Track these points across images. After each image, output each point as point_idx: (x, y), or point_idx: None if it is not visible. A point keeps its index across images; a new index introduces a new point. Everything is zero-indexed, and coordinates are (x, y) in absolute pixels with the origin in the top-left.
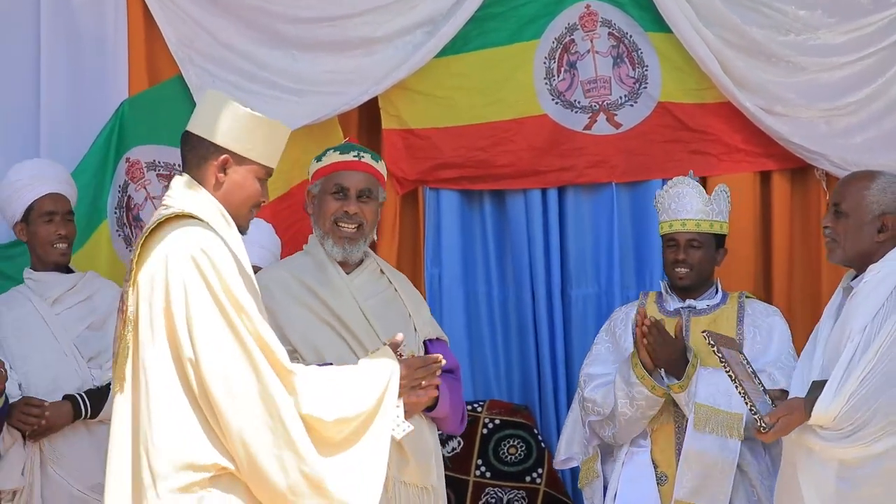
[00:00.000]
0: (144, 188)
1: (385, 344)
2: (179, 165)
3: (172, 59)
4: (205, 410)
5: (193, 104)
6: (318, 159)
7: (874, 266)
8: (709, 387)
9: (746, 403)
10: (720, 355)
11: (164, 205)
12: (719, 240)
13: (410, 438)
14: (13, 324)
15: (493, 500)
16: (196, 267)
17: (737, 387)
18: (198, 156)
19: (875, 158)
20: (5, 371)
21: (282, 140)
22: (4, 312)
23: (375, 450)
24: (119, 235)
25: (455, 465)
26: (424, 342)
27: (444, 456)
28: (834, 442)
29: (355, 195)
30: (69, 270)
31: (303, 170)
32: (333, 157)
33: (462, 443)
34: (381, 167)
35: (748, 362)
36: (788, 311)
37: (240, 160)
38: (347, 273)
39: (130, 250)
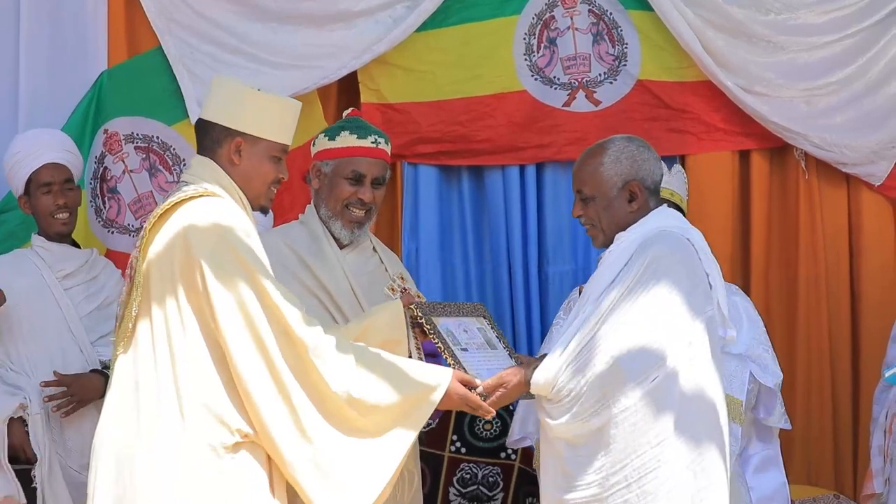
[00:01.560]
0: (122, 160)
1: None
2: (158, 137)
3: (152, 30)
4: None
5: (173, 76)
6: (332, 138)
7: (621, 234)
8: None
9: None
10: (429, 327)
11: (184, 182)
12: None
13: None
14: (25, 292)
15: (468, 476)
16: (218, 240)
17: (447, 358)
18: (211, 140)
19: (855, 139)
20: (2, 296)
21: (293, 115)
22: (17, 279)
23: (393, 451)
24: (91, 206)
25: (430, 441)
26: None
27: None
28: (557, 419)
29: (370, 182)
30: (75, 243)
31: None
32: (350, 141)
33: (437, 418)
34: (390, 148)
35: (492, 326)
36: (766, 289)
37: (253, 141)
38: (341, 248)
39: (100, 220)
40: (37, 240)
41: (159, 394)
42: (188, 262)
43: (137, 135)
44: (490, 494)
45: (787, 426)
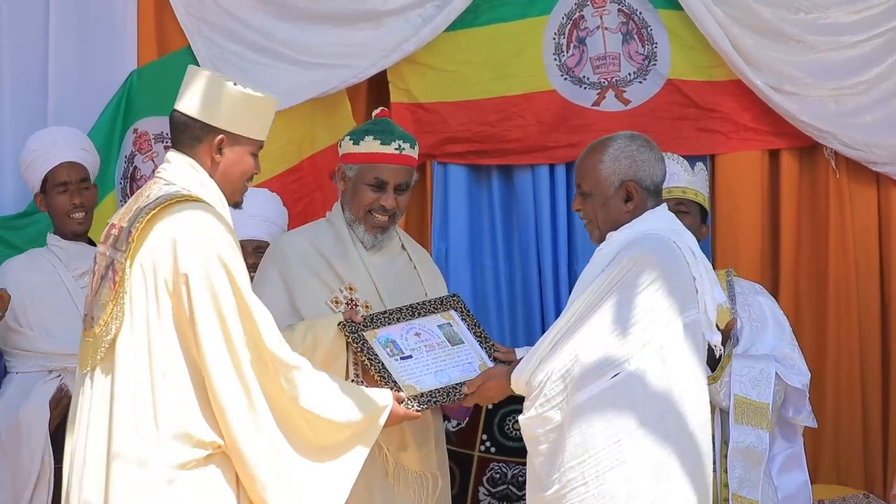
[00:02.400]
0: (152, 160)
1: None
2: None
3: (181, 30)
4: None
5: None
6: (356, 142)
7: (611, 234)
8: (740, 377)
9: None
10: (356, 346)
11: (164, 180)
12: (703, 214)
13: (411, 424)
14: (40, 289)
15: (498, 476)
16: (206, 260)
17: (374, 375)
18: (191, 136)
19: (885, 138)
20: (8, 295)
21: (272, 112)
22: (32, 276)
23: (352, 468)
24: (121, 205)
25: (459, 440)
26: None
27: (448, 431)
28: (525, 415)
29: (393, 189)
30: (91, 241)
31: (312, 143)
32: (373, 147)
33: (466, 418)
34: (416, 151)
35: (465, 318)
36: (795, 288)
37: (235, 139)
38: (367, 249)
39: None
40: (52, 238)
41: (135, 405)
42: (174, 275)
43: (167, 134)
44: (520, 494)
45: (813, 424)
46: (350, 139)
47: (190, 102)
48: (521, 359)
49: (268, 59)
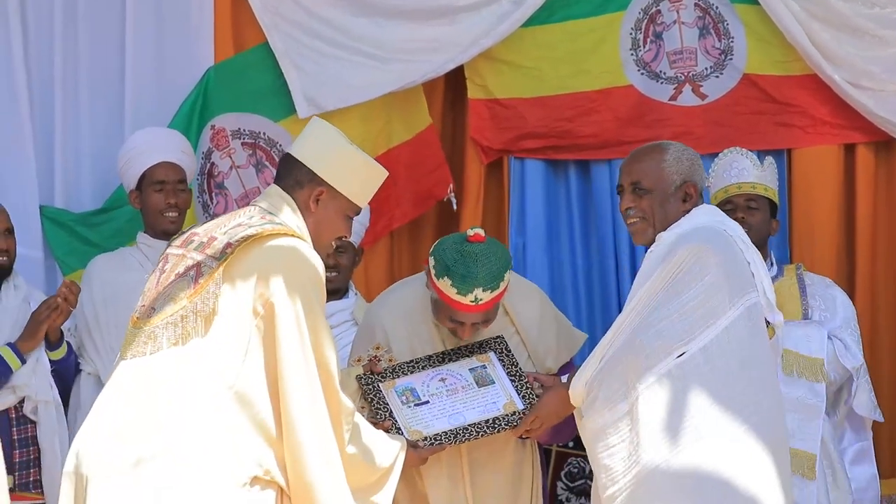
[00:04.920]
0: (230, 156)
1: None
2: (264, 133)
3: (258, 26)
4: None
5: (279, 72)
6: (437, 274)
7: (661, 234)
8: (790, 333)
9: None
10: (370, 397)
11: (264, 210)
12: (773, 210)
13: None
14: (129, 287)
15: (576, 471)
16: (306, 296)
17: (385, 418)
18: (294, 179)
19: None
20: (77, 287)
21: (378, 181)
22: (118, 275)
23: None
24: (199, 202)
25: None
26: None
27: None
28: (587, 411)
29: (470, 325)
30: None
31: (388, 139)
32: (449, 291)
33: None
34: (502, 287)
35: (504, 360)
36: (871, 282)
37: (334, 194)
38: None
39: (207, 216)
40: (142, 237)
41: (202, 411)
42: (265, 299)
43: (244, 130)
44: None
45: (880, 418)
46: (433, 265)
47: (303, 147)
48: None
49: (344, 54)
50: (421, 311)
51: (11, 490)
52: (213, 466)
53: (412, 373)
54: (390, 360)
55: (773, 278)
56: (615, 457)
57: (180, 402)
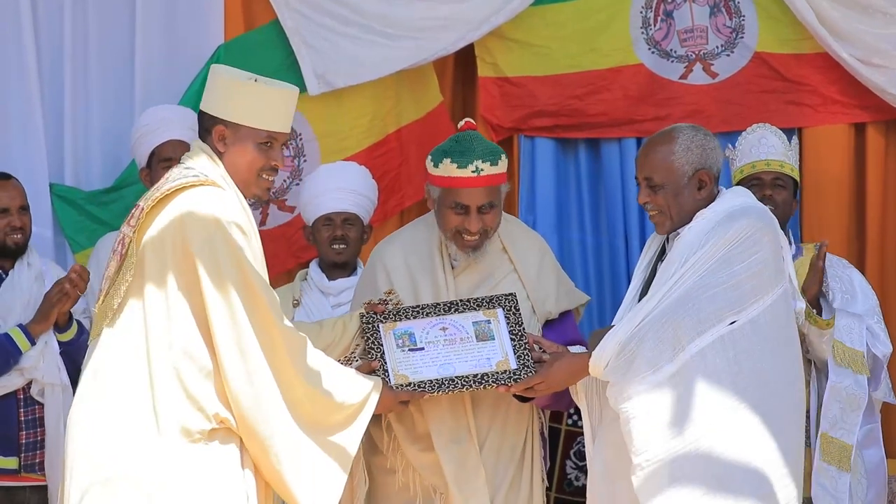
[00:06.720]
0: None
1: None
2: None
3: (268, 3)
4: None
5: (290, 49)
6: (435, 164)
7: (702, 212)
8: (838, 327)
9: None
10: (368, 334)
11: (184, 165)
12: (795, 189)
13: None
14: None
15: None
16: (210, 236)
17: (375, 357)
18: (203, 128)
19: None
20: (87, 273)
21: (283, 100)
22: None
23: (350, 447)
24: None
25: (547, 414)
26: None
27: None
28: (624, 373)
29: (476, 210)
30: None
31: (398, 117)
32: (450, 170)
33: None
34: (501, 166)
35: (510, 318)
36: (881, 261)
37: (235, 128)
38: (455, 268)
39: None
40: None
41: (138, 375)
42: (183, 251)
43: None
44: None
45: (893, 400)
46: (431, 160)
47: (204, 97)
48: (592, 340)
49: (356, 32)
50: (425, 246)
51: (17, 471)
52: (167, 426)
53: (415, 318)
54: (397, 304)
55: (794, 257)
56: (660, 419)
57: (119, 381)
